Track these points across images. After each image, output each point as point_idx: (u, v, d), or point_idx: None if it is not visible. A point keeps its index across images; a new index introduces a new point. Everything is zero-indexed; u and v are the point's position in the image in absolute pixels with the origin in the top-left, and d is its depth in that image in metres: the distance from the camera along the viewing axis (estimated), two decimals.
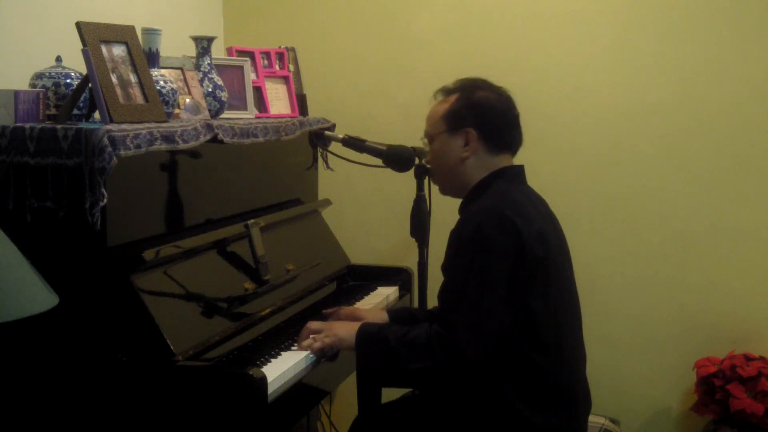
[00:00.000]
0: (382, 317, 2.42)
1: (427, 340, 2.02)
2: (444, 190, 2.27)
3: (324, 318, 2.42)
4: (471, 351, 1.98)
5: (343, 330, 2.18)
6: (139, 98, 2.15)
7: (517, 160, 2.24)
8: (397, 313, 2.45)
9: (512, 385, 2.01)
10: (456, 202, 2.25)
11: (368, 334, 2.14)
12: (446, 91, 2.22)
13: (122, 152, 1.92)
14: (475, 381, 2.04)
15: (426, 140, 2.25)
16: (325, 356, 2.20)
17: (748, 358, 2.98)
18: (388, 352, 2.07)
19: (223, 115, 2.56)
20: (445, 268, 2.12)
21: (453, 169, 2.18)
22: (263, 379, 1.88)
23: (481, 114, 2.15)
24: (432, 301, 2.46)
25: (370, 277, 2.95)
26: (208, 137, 2.28)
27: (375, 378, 2.19)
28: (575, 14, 3.17)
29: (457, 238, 2.08)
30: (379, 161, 2.79)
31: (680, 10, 3.08)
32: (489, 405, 2.03)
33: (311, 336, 2.21)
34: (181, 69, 2.48)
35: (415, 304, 2.83)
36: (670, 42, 3.10)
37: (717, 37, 3.06)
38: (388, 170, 2.78)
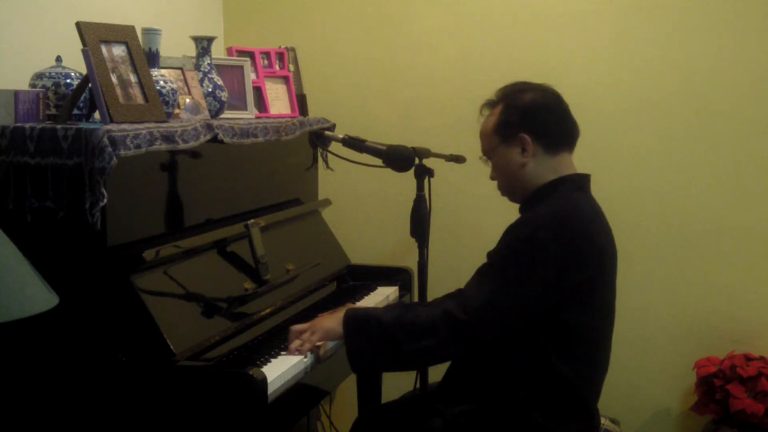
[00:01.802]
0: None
1: (431, 321, 1.99)
2: (512, 199, 2.22)
3: None
4: (479, 329, 1.96)
5: (328, 321, 2.14)
6: (139, 98, 2.15)
7: None
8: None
9: (532, 392, 2.00)
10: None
11: (357, 316, 2.09)
12: (491, 104, 2.19)
13: (122, 152, 1.92)
14: (492, 383, 2.02)
15: (485, 158, 2.22)
16: (319, 358, 2.17)
17: (748, 358, 2.98)
18: (381, 333, 2.02)
19: (223, 115, 2.56)
20: (491, 254, 2.09)
21: (516, 177, 2.14)
22: (263, 379, 1.88)
23: (530, 117, 2.11)
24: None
25: (370, 277, 2.95)
26: (208, 137, 2.28)
27: (368, 363, 2.10)
28: (575, 15, 3.17)
29: (512, 232, 2.05)
30: (379, 161, 2.78)
31: (680, 10, 3.08)
32: (504, 410, 2.01)
33: (299, 338, 2.16)
34: (181, 69, 2.48)
35: None
36: (670, 42, 3.10)
37: (717, 37, 3.05)
38: (388, 170, 2.78)
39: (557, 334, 1.99)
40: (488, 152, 2.19)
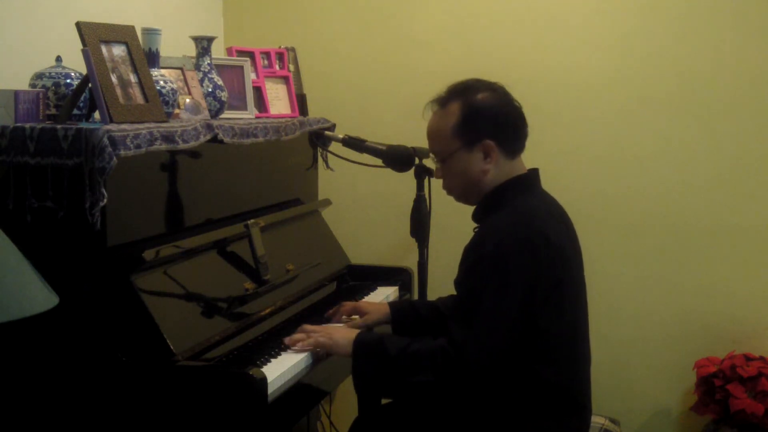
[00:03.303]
0: (384, 310, 2.39)
1: (431, 355, 1.95)
2: (463, 201, 2.17)
3: (327, 320, 2.42)
4: (477, 372, 1.93)
5: (341, 336, 2.13)
6: (139, 98, 2.15)
7: None
8: (398, 306, 2.43)
9: (522, 397, 1.99)
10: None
11: (366, 343, 2.07)
12: (442, 101, 2.10)
13: (122, 152, 1.92)
14: (481, 396, 2.00)
15: (435, 158, 2.14)
16: (318, 357, 2.17)
17: (748, 358, 2.98)
18: (387, 363, 2.00)
19: (223, 115, 2.56)
20: (459, 283, 2.05)
21: (474, 183, 2.07)
22: (263, 379, 1.88)
23: (493, 121, 2.05)
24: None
25: (370, 277, 2.94)
26: (208, 137, 2.28)
27: (372, 389, 2.11)
28: (575, 14, 3.17)
29: (474, 254, 1.99)
30: (379, 161, 2.79)
31: (680, 10, 3.08)
32: (496, 417, 2.01)
33: (304, 334, 2.17)
34: (181, 69, 2.48)
35: None
36: (670, 42, 3.10)
37: (717, 36, 3.05)
38: (388, 170, 2.78)
39: (534, 342, 1.96)
40: (443, 154, 2.09)
